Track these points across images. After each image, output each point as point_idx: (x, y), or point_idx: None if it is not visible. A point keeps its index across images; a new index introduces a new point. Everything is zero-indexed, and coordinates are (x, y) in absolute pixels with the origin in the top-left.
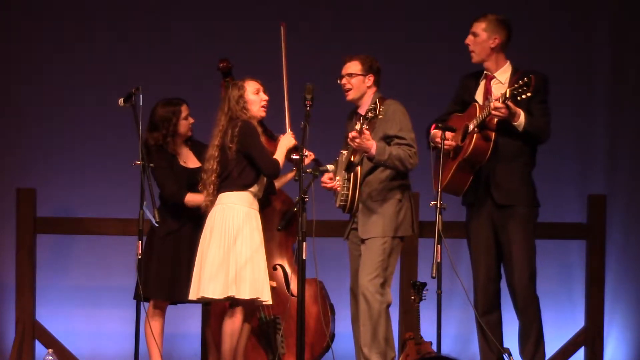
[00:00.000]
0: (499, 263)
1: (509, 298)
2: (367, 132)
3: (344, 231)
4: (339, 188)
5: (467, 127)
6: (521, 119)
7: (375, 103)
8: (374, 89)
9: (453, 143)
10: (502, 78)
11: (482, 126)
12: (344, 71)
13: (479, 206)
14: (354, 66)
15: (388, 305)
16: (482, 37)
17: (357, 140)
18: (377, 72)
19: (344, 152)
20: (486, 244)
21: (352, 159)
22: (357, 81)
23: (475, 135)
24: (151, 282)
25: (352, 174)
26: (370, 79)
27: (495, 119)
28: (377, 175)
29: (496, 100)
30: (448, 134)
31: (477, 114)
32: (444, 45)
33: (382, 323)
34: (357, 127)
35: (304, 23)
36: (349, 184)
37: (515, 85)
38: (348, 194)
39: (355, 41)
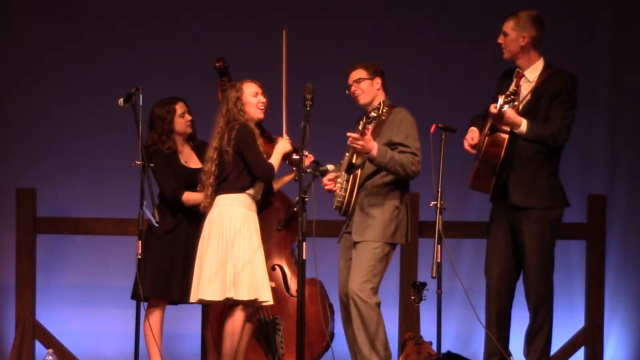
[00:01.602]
0: (516, 264)
1: (519, 298)
2: (368, 133)
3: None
4: (338, 190)
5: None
6: (522, 127)
7: (380, 104)
8: (382, 93)
9: (475, 142)
10: (531, 76)
11: (494, 129)
12: (351, 79)
13: (499, 207)
14: (359, 73)
15: (378, 305)
16: (511, 36)
17: (360, 141)
18: (383, 75)
19: (348, 154)
20: (503, 245)
21: (353, 160)
22: (366, 85)
23: (486, 138)
24: (148, 281)
25: (351, 176)
26: (378, 82)
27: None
28: (377, 180)
29: (494, 105)
30: (475, 134)
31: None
32: (445, 45)
33: (374, 325)
34: (360, 125)
35: (304, 24)
36: (347, 185)
37: (507, 93)
38: (345, 196)
39: (355, 42)
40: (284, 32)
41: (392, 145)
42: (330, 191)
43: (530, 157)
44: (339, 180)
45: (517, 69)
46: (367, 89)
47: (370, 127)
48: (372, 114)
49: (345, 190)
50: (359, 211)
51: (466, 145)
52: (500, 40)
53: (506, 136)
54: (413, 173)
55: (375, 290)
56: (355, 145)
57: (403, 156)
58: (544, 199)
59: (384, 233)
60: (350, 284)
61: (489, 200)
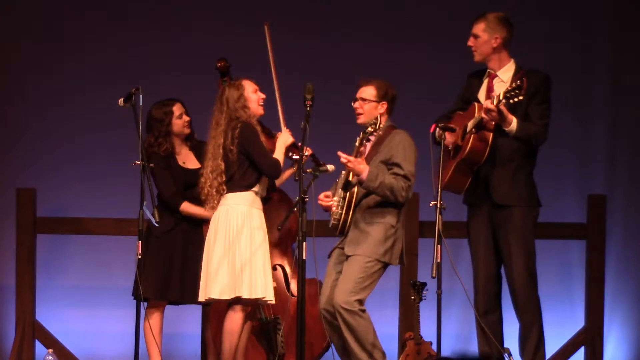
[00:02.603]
0: (499, 263)
1: (509, 298)
2: (363, 151)
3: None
4: (334, 207)
5: (466, 126)
6: (513, 125)
7: (377, 118)
8: (385, 117)
9: (453, 140)
10: (504, 77)
11: (480, 127)
12: (358, 94)
13: (478, 206)
14: (368, 91)
15: (363, 312)
16: (483, 38)
17: (350, 163)
18: (392, 100)
19: (344, 172)
20: (485, 244)
21: (349, 178)
22: (369, 107)
23: (472, 136)
24: (147, 281)
25: (347, 193)
26: (383, 106)
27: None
28: (374, 198)
29: (489, 102)
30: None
31: (476, 114)
32: (445, 45)
33: (366, 333)
34: (357, 142)
35: (305, 23)
36: (344, 203)
37: (508, 88)
38: (341, 214)
39: (352, 39)
40: (265, 27)
41: (387, 164)
42: (327, 209)
43: (510, 155)
44: (335, 198)
45: (488, 70)
46: (369, 111)
47: (368, 144)
48: (369, 128)
49: (342, 207)
50: (354, 228)
51: (450, 140)
52: (471, 43)
53: (491, 134)
54: (402, 198)
55: (361, 303)
56: (346, 165)
57: (394, 181)
58: (526, 197)
59: (377, 250)
60: (336, 294)
61: (462, 202)
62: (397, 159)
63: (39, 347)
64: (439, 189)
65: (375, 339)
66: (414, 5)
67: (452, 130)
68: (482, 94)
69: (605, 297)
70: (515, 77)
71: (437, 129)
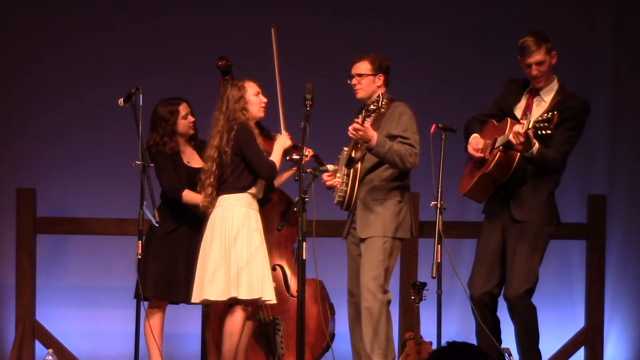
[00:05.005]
0: (502, 275)
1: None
2: (368, 124)
3: (343, 230)
4: (338, 184)
5: (496, 140)
6: (533, 150)
7: (379, 96)
8: (383, 89)
9: (481, 148)
10: (546, 97)
11: (508, 146)
12: (354, 71)
13: (495, 219)
14: (363, 66)
15: (389, 303)
16: (547, 61)
17: (361, 131)
18: (387, 71)
19: (347, 148)
20: (492, 256)
21: (352, 154)
22: (367, 81)
23: (499, 154)
24: (149, 281)
25: (351, 170)
26: (380, 79)
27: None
28: (379, 173)
29: (520, 126)
30: (480, 141)
31: (506, 132)
32: (445, 45)
33: (383, 322)
34: (360, 119)
35: (305, 22)
36: (348, 179)
37: (539, 119)
38: (346, 190)
39: (353, 39)
40: (272, 30)
41: (390, 138)
42: (331, 187)
43: (533, 174)
44: (338, 175)
45: (530, 87)
46: (367, 85)
47: (369, 120)
48: (372, 107)
49: (347, 184)
50: (362, 207)
51: (471, 150)
52: (538, 72)
53: (517, 154)
54: (410, 164)
55: (385, 287)
56: (356, 135)
57: (402, 147)
58: (542, 215)
59: (390, 228)
60: (362, 279)
61: (481, 211)
62: (399, 131)
63: (39, 347)
64: (439, 189)
65: (390, 333)
66: (417, 6)
67: (452, 131)
68: (519, 110)
69: (605, 297)
70: (555, 97)
71: (474, 136)
